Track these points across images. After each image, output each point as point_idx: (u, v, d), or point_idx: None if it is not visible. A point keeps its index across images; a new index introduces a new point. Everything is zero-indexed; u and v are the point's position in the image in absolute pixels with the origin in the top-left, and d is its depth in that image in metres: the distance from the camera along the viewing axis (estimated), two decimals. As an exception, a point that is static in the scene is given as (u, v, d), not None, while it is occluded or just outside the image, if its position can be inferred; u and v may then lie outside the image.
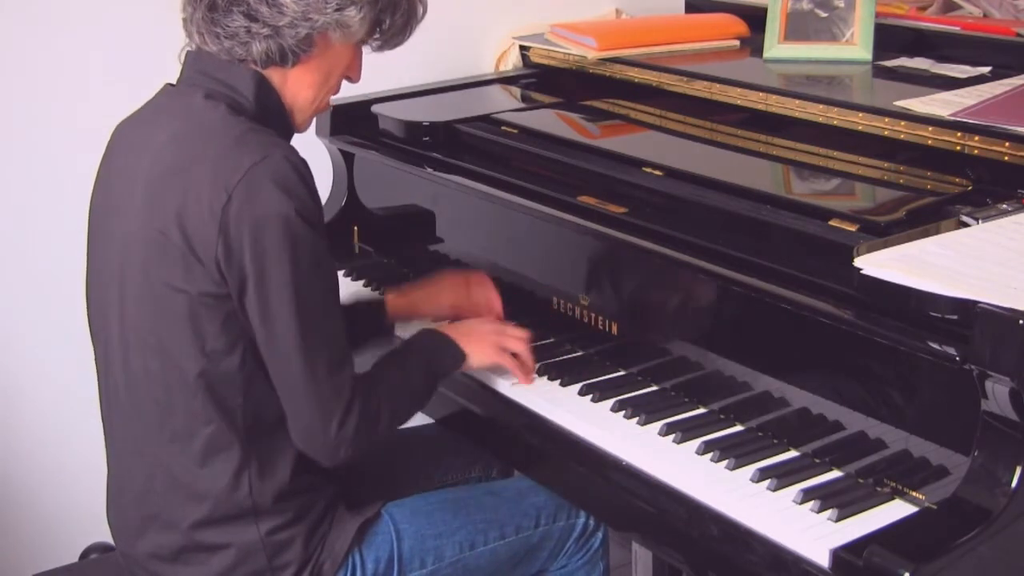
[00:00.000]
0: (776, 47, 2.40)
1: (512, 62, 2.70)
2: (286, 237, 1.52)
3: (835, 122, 1.99)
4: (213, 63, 1.62)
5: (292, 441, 1.66)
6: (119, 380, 1.67)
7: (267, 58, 1.61)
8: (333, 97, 1.80)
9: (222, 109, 1.60)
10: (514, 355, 1.86)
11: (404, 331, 2.04)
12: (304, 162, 1.58)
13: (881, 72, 2.28)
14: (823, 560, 1.42)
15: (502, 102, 2.49)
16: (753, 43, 2.54)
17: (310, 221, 1.54)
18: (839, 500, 1.52)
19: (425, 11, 1.75)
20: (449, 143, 2.24)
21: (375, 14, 1.65)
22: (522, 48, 2.68)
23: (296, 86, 1.66)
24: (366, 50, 1.74)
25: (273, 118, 1.64)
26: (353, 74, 1.73)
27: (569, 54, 2.51)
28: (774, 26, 2.40)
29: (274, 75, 1.64)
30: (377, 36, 1.70)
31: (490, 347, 1.83)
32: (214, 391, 1.60)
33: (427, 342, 1.82)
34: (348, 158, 2.42)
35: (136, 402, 1.65)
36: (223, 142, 1.56)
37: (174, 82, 1.70)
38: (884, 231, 1.61)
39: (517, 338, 1.87)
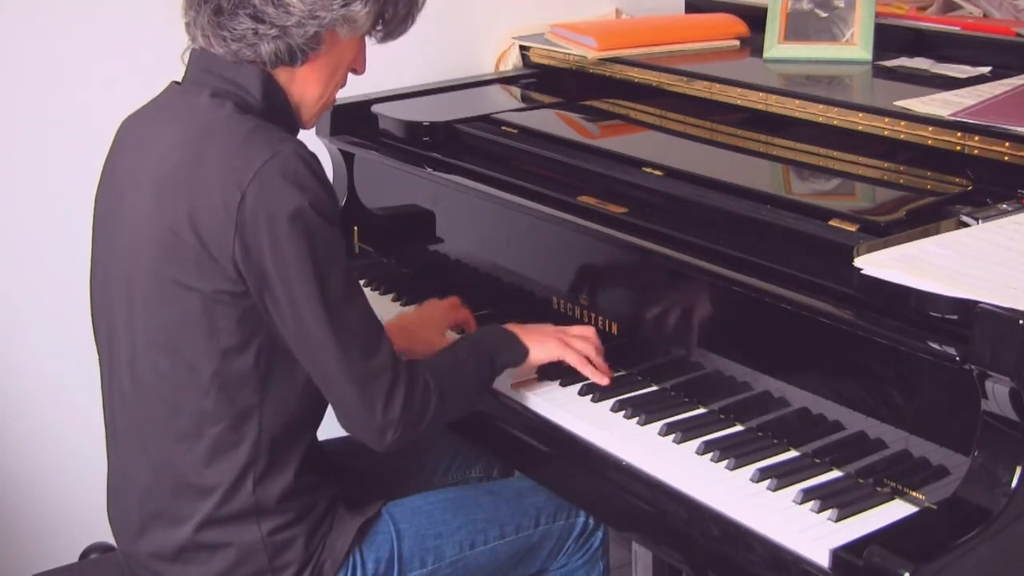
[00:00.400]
0: (776, 47, 2.40)
1: (512, 62, 2.70)
2: (302, 231, 1.52)
3: (835, 122, 2.00)
4: (219, 62, 1.62)
5: (300, 442, 1.66)
6: (125, 379, 1.66)
7: (276, 58, 1.60)
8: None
9: (229, 107, 1.59)
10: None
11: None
12: (314, 156, 1.58)
13: (881, 72, 2.28)
14: (823, 560, 1.42)
15: (502, 102, 2.49)
16: (753, 43, 2.54)
17: (324, 213, 1.54)
18: (839, 500, 1.52)
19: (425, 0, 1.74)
20: (449, 143, 2.24)
21: (379, 6, 1.65)
22: (522, 48, 2.69)
23: (303, 84, 1.65)
24: (369, 42, 1.73)
25: (280, 116, 1.64)
26: (358, 66, 1.73)
27: (569, 54, 2.51)
28: (774, 26, 2.40)
29: (281, 74, 1.63)
30: (380, 27, 1.70)
31: (553, 341, 1.82)
32: (227, 390, 1.60)
33: (488, 334, 1.82)
34: (348, 158, 2.42)
35: (143, 401, 1.65)
36: (232, 140, 1.56)
37: (179, 80, 1.69)
38: (884, 231, 1.61)
39: (580, 336, 1.85)
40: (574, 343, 1.83)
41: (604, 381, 1.82)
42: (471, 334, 1.83)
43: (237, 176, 1.52)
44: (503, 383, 1.86)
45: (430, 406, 1.63)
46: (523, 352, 1.80)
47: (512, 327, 1.83)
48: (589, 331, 1.86)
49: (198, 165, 1.56)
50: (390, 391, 1.58)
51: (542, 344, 1.81)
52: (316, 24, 1.58)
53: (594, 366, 1.82)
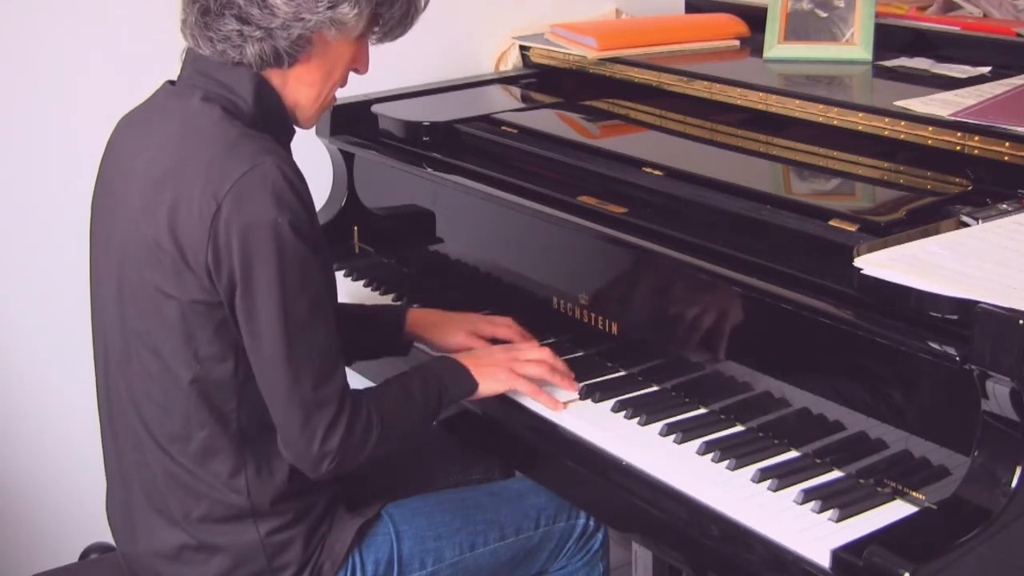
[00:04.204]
0: (776, 47, 2.40)
1: (512, 62, 2.70)
2: (274, 245, 1.50)
3: (835, 122, 2.00)
4: (212, 64, 1.61)
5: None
6: (120, 380, 1.67)
7: (261, 61, 1.59)
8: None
9: (217, 112, 1.58)
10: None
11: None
12: (298, 171, 1.57)
13: (881, 72, 2.28)
14: (823, 560, 1.42)
15: (502, 102, 2.49)
16: (753, 43, 2.54)
17: (299, 231, 1.52)
18: (840, 500, 1.52)
19: (427, 1, 1.72)
20: (449, 143, 2.24)
21: (372, 8, 1.62)
22: (522, 48, 2.69)
23: (297, 85, 1.64)
24: (369, 42, 1.72)
25: (272, 121, 1.63)
26: (360, 67, 1.71)
27: (569, 54, 2.51)
28: (774, 26, 2.40)
29: (273, 76, 1.62)
30: (376, 29, 1.67)
31: (503, 373, 1.79)
32: (207, 397, 1.60)
33: (437, 367, 1.78)
34: (348, 158, 2.42)
35: (137, 402, 1.65)
36: (215, 148, 1.55)
37: (174, 80, 1.69)
38: (884, 231, 1.61)
39: (533, 361, 1.82)
40: (527, 370, 1.80)
41: (555, 406, 1.80)
42: (421, 365, 1.78)
43: (215, 187, 1.51)
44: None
45: (369, 441, 1.62)
46: (472, 386, 1.78)
47: (464, 358, 1.81)
48: (543, 352, 1.84)
49: (181, 171, 1.55)
50: (332, 422, 1.57)
51: (493, 377, 1.79)
52: (301, 26, 1.57)
53: (559, 380, 1.81)
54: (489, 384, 1.79)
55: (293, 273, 1.52)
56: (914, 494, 1.51)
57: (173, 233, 1.53)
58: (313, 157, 2.31)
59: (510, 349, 1.86)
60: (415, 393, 1.71)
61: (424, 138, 2.26)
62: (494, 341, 1.95)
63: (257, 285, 1.51)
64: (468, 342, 1.95)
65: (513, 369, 1.80)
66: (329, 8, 1.57)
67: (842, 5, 2.37)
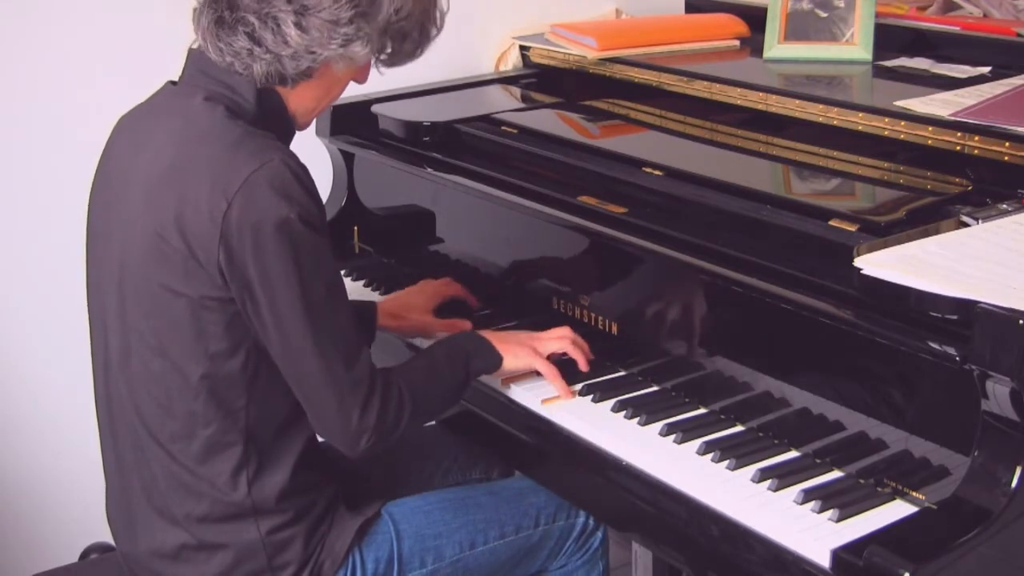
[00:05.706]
0: (776, 47, 2.40)
1: (512, 62, 2.70)
2: (287, 241, 1.52)
3: (835, 122, 2.00)
4: (215, 65, 1.61)
5: (294, 441, 1.67)
6: (119, 379, 1.67)
7: (267, 79, 1.60)
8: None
9: (220, 111, 1.59)
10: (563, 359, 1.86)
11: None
12: (303, 166, 1.58)
13: (881, 72, 2.28)
14: (823, 560, 1.42)
15: (502, 102, 2.49)
16: (753, 43, 2.54)
17: (311, 224, 1.54)
18: (840, 500, 1.52)
19: (439, 31, 1.72)
20: (449, 143, 2.24)
21: (381, 44, 1.65)
22: (522, 48, 2.69)
23: (298, 99, 1.66)
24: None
25: (273, 121, 1.64)
26: (360, 77, 1.73)
27: (569, 54, 2.51)
28: (774, 26, 2.40)
29: (275, 87, 1.63)
30: (384, 57, 1.69)
31: (525, 350, 1.82)
32: (216, 393, 1.60)
33: (463, 341, 1.82)
34: (348, 158, 2.42)
35: (137, 401, 1.65)
36: (220, 146, 1.55)
37: (176, 79, 1.69)
38: (884, 231, 1.61)
39: (555, 338, 1.85)
40: (548, 346, 1.84)
41: (567, 393, 1.83)
42: (447, 339, 1.83)
43: (224, 185, 1.52)
44: (505, 383, 1.87)
45: (404, 415, 1.64)
46: (497, 360, 1.80)
47: (487, 334, 1.84)
48: (563, 331, 1.87)
49: (187, 170, 1.56)
50: (367, 400, 1.60)
51: (515, 353, 1.82)
52: (311, 59, 1.58)
53: (579, 355, 1.85)
54: (511, 360, 1.81)
55: (307, 261, 1.54)
56: (914, 494, 1.51)
57: (181, 231, 1.54)
58: (313, 157, 2.31)
59: (531, 332, 1.88)
60: (442, 366, 1.75)
61: (424, 138, 2.26)
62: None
63: (275, 279, 1.53)
64: (432, 318, 2.03)
65: (535, 348, 1.83)
66: (342, 47, 1.58)
67: (842, 5, 2.37)
